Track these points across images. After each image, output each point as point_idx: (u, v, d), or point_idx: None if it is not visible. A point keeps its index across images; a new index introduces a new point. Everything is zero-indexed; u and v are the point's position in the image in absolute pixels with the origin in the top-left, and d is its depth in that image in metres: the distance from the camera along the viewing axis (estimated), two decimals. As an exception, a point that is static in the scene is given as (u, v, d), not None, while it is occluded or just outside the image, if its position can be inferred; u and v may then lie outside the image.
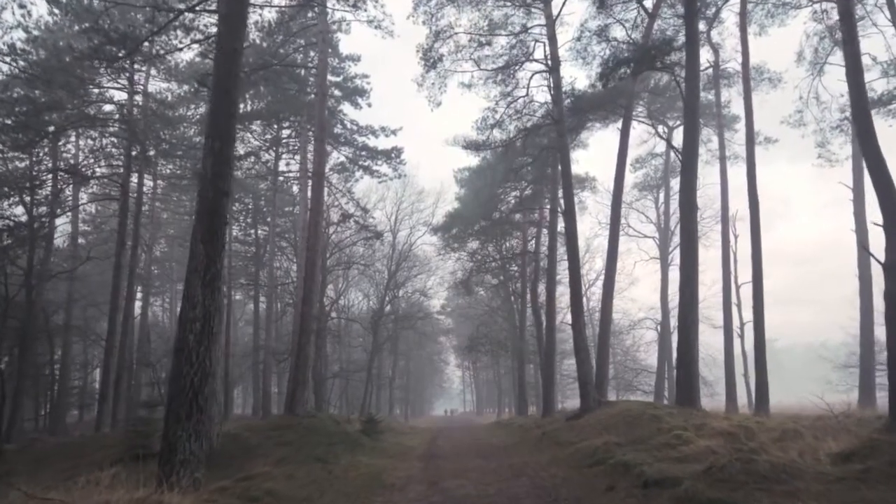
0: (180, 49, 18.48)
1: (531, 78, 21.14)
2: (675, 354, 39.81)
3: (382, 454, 16.41)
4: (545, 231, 35.33)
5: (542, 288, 36.23)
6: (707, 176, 42.74)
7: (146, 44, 20.33)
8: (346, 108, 31.76)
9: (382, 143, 30.08)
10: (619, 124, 35.00)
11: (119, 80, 26.98)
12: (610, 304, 22.84)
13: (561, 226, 31.75)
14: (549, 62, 20.32)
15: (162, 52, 21.35)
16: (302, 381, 19.13)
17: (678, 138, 37.88)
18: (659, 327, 38.24)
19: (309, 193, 23.26)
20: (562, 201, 21.61)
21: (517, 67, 21.00)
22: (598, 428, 14.60)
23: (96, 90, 26.30)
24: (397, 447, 18.71)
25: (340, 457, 14.52)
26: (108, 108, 28.06)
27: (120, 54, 18.71)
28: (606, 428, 14.19)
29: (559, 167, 22.48)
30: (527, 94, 21.44)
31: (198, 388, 9.70)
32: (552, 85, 20.24)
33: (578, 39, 21.35)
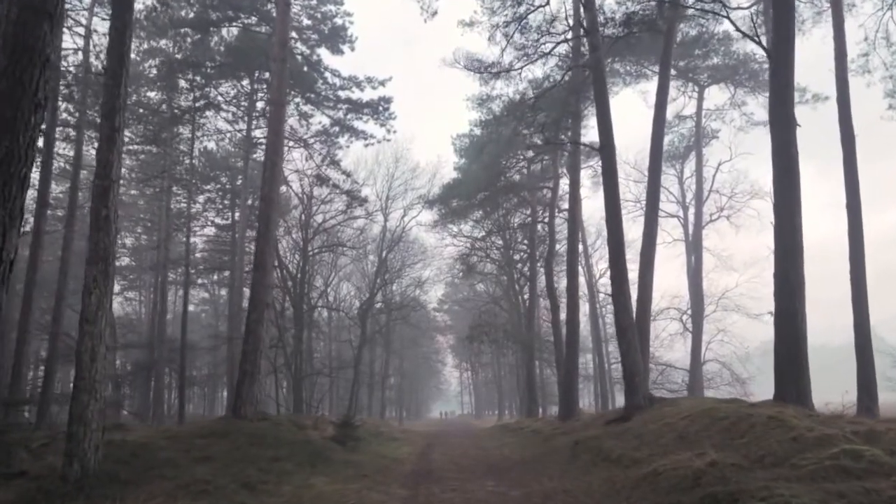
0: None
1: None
2: (705, 348, 35.67)
3: (354, 472, 11.59)
4: (557, 212, 30.64)
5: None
6: (742, 145, 38.04)
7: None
8: (324, 55, 26.97)
9: (369, 96, 25.16)
10: (641, 86, 30.80)
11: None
12: (650, 278, 18.06)
13: (576, 201, 27.07)
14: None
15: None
16: (251, 371, 14.29)
17: (712, 99, 33.09)
18: (687, 316, 33.50)
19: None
20: (583, 146, 16.80)
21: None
22: (669, 436, 9.80)
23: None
24: (378, 461, 13.89)
25: (286, 479, 9.73)
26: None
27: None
28: (685, 436, 9.40)
29: (590, 93, 17.65)
30: (547, 3, 16.57)
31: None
32: (581, -13, 15.57)
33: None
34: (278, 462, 10.81)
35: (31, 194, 27.10)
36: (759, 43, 12.82)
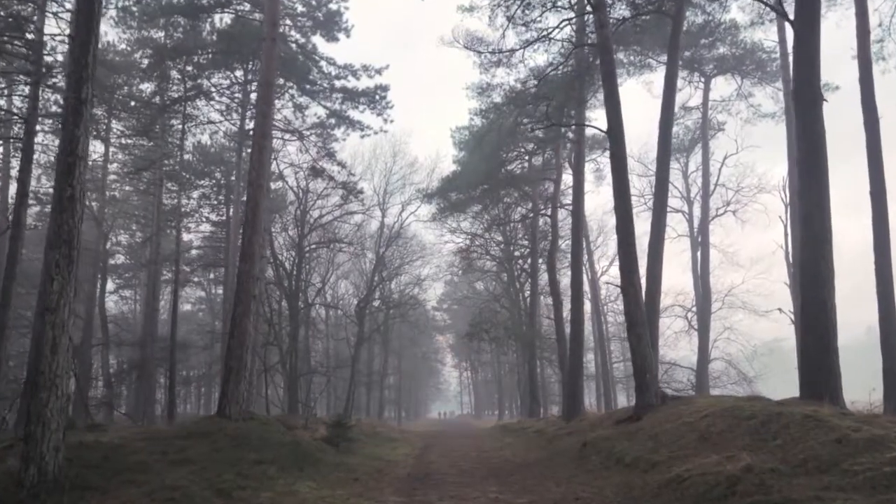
0: None
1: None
2: (712, 345, 34.77)
3: (345, 476, 10.73)
4: (560, 206, 29.76)
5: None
6: (749, 138, 37.09)
7: None
8: (319, 44, 26.02)
9: (365, 85, 24.28)
10: (645, 77, 29.84)
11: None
12: (659, 270, 17.15)
13: (580, 194, 26.01)
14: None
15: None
16: (237, 368, 13.38)
17: (718, 90, 32.25)
18: (692, 314, 32.65)
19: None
20: (584, 126, 15.81)
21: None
22: (690, 437, 8.93)
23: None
24: (372, 463, 13.02)
25: (267, 484, 8.85)
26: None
27: None
28: (708, 437, 8.53)
29: (595, 79, 16.77)
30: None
31: None
32: (588, -39, 14.68)
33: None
34: (261, 465, 9.93)
35: (12, 185, 26.25)
36: (783, 13, 11.96)
